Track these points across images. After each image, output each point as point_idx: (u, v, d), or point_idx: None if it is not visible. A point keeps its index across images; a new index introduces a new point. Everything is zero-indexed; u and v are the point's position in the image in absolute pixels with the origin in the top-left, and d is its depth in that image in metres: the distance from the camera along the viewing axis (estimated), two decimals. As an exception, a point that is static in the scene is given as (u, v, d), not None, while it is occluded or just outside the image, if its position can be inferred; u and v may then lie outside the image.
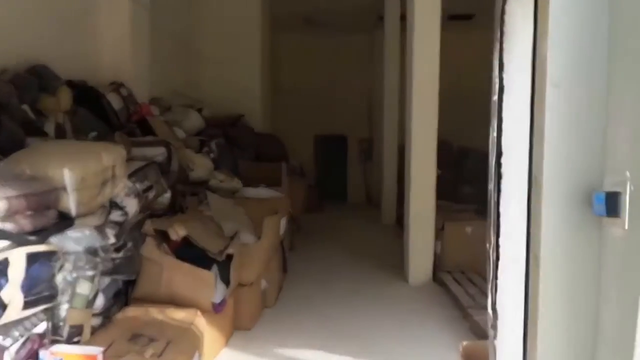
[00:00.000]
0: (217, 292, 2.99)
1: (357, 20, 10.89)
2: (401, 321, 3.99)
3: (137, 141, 3.78)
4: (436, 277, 4.99)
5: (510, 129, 1.62)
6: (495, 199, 1.68)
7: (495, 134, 1.68)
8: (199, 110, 6.46)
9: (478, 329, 3.65)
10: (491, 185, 1.71)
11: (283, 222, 4.33)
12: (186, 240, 3.12)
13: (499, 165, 1.66)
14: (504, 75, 1.63)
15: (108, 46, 4.82)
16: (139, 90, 5.14)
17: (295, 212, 6.59)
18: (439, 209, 5.09)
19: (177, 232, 3.06)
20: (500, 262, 1.68)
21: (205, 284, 2.91)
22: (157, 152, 3.78)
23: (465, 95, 11.07)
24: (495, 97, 1.68)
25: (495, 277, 1.74)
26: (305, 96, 12.31)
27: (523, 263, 1.55)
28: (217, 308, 3.04)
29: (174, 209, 3.66)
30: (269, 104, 9.03)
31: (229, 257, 3.15)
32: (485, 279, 4.88)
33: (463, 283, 4.61)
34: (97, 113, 4.04)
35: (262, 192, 4.38)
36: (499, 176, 1.65)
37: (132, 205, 3.08)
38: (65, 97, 3.88)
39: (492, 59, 1.71)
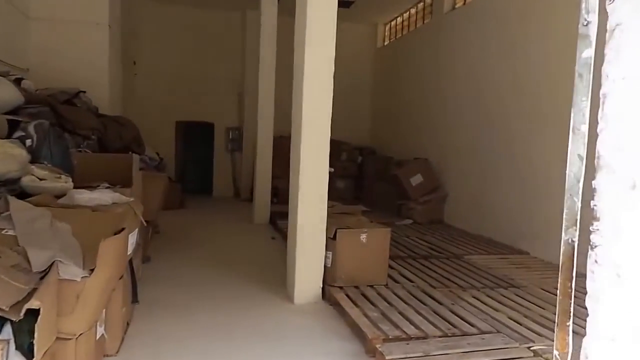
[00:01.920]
0: (7, 377, 1.79)
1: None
2: (293, 365, 3.11)
3: None
4: (326, 294, 4.19)
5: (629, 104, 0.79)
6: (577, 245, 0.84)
7: (583, 114, 0.84)
8: (18, 81, 4.86)
9: (389, 370, 2.92)
10: (573, 225, 0.87)
11: (132, 238, 3.14)
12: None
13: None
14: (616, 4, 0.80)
15: None
16: None
17: (151, 214, 5.34)
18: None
19: None
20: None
21: (-18, 368, 1.69)
22: None
23: (336, 87, 10.50)
24: (588, 53, 0.84)
25: None
26: (167, 76, 10.79)
27: None
28: (9, 399, 1.84)
29: (-55, 228, 2.31)
30: (121, 80, 7.48)
31: (34, 312, 1.94)
32: (381, 295, 4.25)
33: (360, 302, 3.87)
34: None
35: (101, 196, 3.13)
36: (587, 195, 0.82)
37: None
38: None
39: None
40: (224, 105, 11.21)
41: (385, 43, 11.74)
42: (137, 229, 3.27)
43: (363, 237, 4.15)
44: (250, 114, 9.54)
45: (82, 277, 2.40)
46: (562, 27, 5.55)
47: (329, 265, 4.16)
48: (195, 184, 12.12)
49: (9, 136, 3.59)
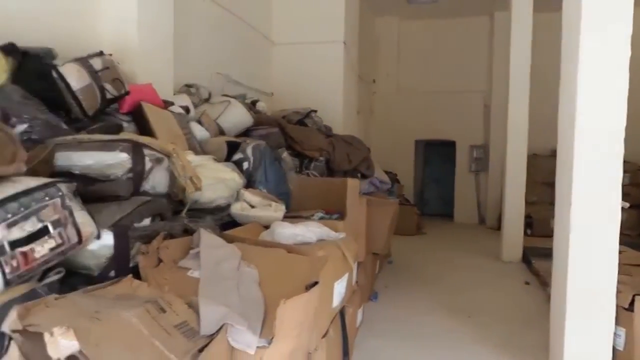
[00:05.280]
0: None
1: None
2: None
3: (77, 141, 2.17)
4: (614, 390, 2.80)
5: None
6: None
7: None
8: (253, 103, 4.86)
9: None
10: None
11: (340, 287, 2.48)
12: None
13: None
14: None
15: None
16: (157, 68, 3.65)
17: (378, 245, 4.72)
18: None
19: (58, 343, 1.36)
20: None
21: None
22: (113, 161, 2.14)
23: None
24: None
25: None
26: (406, 93, 10.32)
27: None
28: None
29: (123, 267, 1.98)
30: (356, 99, 7.22)
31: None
32: None
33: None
34: (48, 95, 2.52)
35: (304, 231, 2.57)
36: None
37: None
38: (-10, 68, 2.41)
39: None
40: (467, 121, 10.14)
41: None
42: (346, 275, 2.59)
43: (681, 310, 2.64)
44: (498, 129, 8.30)
45: (258, 348, 1.80)
46: None
47: (621, 349, 2.77)
48: (435, 207, 11.32)
49: (228, 158, 3.38)
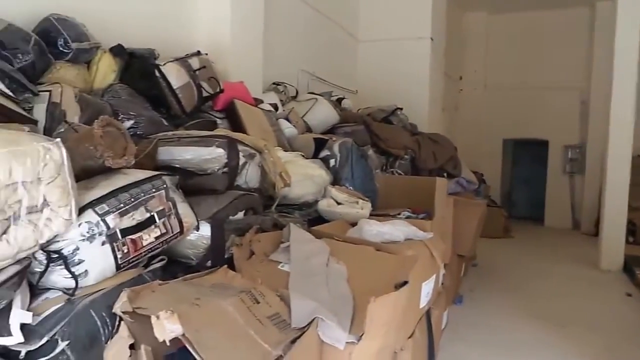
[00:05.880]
0: None
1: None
2: None
3: (177, 137, 2.29)
4: None
5: None
6: None
7: None
8: (339, 101, 4.89)
9: None
10: None
11: (427, 287, 2.42)
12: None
13: None
14: None
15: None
16: (248, 66, 3.78)
17: (465, 247, 4.57)
18: None
19: (164, 326, 1.44)
20: None
21: None
22: (210, 156, 2.24)
23: None
24: None
25: None
26: (495, 90, 9.89)
27: None
28: None
29: (219, 257, 2.07)
30: (442, 96, 7.02)
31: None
32: None
33: None
34: (151, 93, 2.69)
35: (392, 229, 2.53)
36: None
37: (95, 259, 1.57)
38: (103, 69, 2.62)
39: None
40: (562, 119, 9.52)
41: None
42: (434, 276, 2.53)
43: None
44: (597, 128, 7.72)
45: (347, 344, 1.80)
46: None
47: None
48: (524, 209, 10.75)
49: (316, 155, 3.42)
